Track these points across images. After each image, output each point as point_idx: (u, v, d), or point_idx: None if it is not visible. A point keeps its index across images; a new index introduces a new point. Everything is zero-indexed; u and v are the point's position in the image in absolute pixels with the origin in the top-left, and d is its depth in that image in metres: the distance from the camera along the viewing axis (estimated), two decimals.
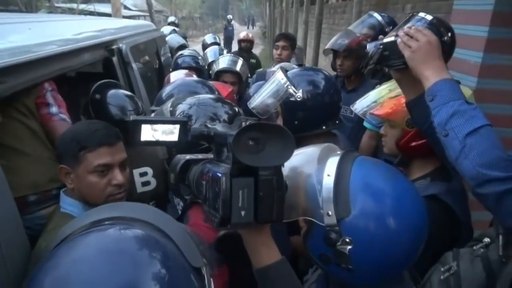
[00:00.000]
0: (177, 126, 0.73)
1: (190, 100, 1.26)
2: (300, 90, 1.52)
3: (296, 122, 1.54)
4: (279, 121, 1.62)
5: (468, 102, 1.03)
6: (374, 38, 2.31)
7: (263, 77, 2.63)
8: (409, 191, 0.84)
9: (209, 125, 0.78)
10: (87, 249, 0.55)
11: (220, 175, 0.68)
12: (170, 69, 3.35)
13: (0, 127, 1.38)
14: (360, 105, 1.59)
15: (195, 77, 2.26)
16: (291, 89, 1.51)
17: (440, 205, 1.23)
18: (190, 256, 0.59)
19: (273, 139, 0.66)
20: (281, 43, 3.49)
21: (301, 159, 0.91)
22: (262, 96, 1.62)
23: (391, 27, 2.53)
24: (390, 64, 1.21)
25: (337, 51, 2.45)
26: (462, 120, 0.99)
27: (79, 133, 1.24)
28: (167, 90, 1.76)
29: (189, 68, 3.05)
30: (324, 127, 1.57)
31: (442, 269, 1.09)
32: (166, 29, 6.16)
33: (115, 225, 0.60)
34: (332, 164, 0.84)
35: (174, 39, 5.28)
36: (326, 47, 2.57)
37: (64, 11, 13.93)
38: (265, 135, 0.66)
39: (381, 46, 1.21)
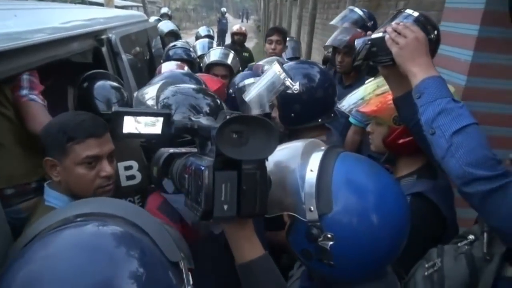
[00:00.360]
0: (160, 119, 0.72)
1: (171, 88, 1.23)
2: (297, 83, 1.52)
3: (292, 115, 1.55)
4: (274, 114, 1.62)
5: (455, 100, 1.02)
6: None
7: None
8: (392, 188, 0.84)
9: (193, 118, 0.77)
10: (61, 246, 0.54)
11: (203, 168, 0.67)
12: (162, 61, 3.32)
13: None
14: (348, 102, 1.58)
15: (184, 70, 2.24)
16: (288, 82, 1.51)
17: (426, 203, 1.23)
18: (167, 250, 0.58)
19: (256, 132, 0.66)
20: (274, 37, 3.47)
21: (285, 154, 0.91)
22: (257, 88, 1.61)
23: (372, 22, 2.53)
24: (378, 61, 1.20)
25: (337, 47, 2.44)
26: (449, 118, 0.99)
27: (66, 124, 1.21)
28: (154, 82, 1.73)
29: (180, 60, 3.02)
30: (319, 120, 1.57)
31: (426, 265, 1.09)
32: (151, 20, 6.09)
33: (91, 221, 0.59)
34: (315, 159, 0.84)
35: (164, 25, 5.24)
36: (327, 43, 2.56)
37: None
38: (249, 128, 0.65)
39: (369, 42, 1.20)
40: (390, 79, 1.24)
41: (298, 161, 0.85)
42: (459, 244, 1.09)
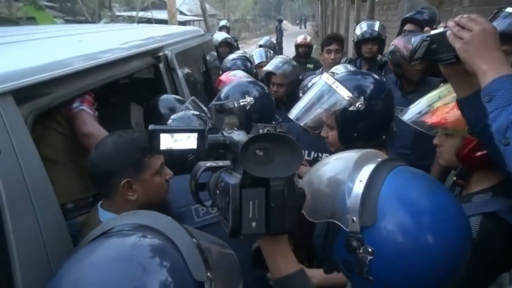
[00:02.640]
0: (195, 134, 0.74)
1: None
2: (361, 98, 1.35)
3: (355, 135, 1.39)
4: (325, 133, 1.45)
5: None
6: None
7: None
8: (448, 208, 0.77)
9: (225, 133, 0.79)
10: (101, 255, 0.63)
11: (230, 185, 0.69)
12: (220, 72, 3.41)
13: (39, 139, 1.35)
14: (411, 112, 1.41)
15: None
16: (351, 98, 1.35)
17: (500, 224, 1.10)
18: (194, 269, 0.63)
19: (281, 150, 0.66)
20: (333, 47, 3.36)
21: (339, 163, 0.89)
22: (313, 108, 1.45)
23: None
24: (439, 59, 1.07)
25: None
26: None
27: (137, 141, 1.26)
28: (224, 90, 1.95)
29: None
30: (383, 137, 1.43)
31: None
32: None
33: (133, 233, 0.67)
34: (367, 170, 0.81)
35: (218, 35, 5.39)
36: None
37: (125, 19, 14.76)
38: (273, 145, 0.66)
39: (428, 39, 1.08)
40: (453, 78, 1.10)
41: (350, 171, 0.83)
42: None
